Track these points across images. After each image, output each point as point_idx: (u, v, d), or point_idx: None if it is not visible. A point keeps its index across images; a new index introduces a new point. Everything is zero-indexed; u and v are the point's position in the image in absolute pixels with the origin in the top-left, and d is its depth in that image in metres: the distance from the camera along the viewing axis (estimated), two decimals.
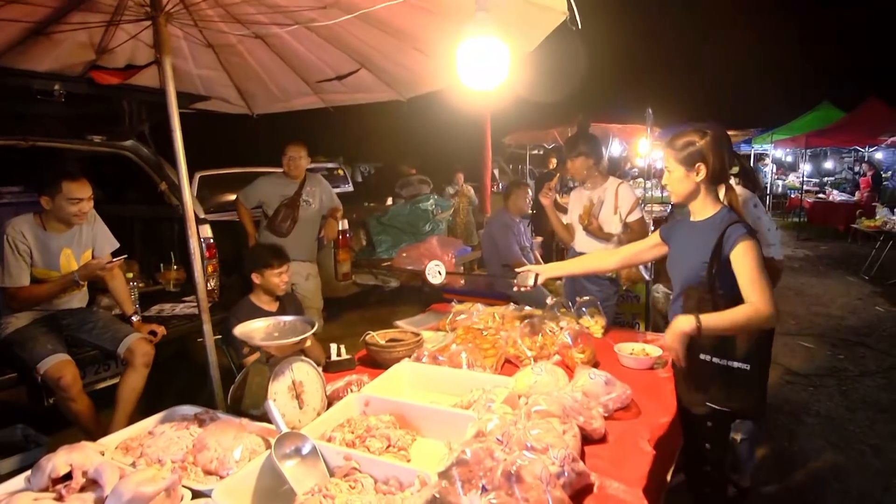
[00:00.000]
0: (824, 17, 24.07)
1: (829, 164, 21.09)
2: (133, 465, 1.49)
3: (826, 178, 19.26)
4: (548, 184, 3.50)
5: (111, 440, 1.61)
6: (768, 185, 15.73)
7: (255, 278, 2.75)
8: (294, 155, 4.15)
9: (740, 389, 1.96)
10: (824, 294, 6.95)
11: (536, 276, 2.47)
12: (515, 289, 2.54)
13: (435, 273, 2.56)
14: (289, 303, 2.91)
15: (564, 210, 3.68)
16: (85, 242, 3.02)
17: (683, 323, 1.84)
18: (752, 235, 1.89)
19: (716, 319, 1.84)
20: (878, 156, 17.16)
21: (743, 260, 1.86)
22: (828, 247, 10.52)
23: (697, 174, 1.96)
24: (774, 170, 17.79)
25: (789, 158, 21.35)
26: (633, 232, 3.23)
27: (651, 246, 2.31)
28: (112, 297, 3.18)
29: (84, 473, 1.34)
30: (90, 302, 3.22)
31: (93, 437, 2.28)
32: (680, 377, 2.11)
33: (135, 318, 3.10)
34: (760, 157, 18.06)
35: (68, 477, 1.33)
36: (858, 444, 3.33)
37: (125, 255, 2.90)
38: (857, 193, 13.34)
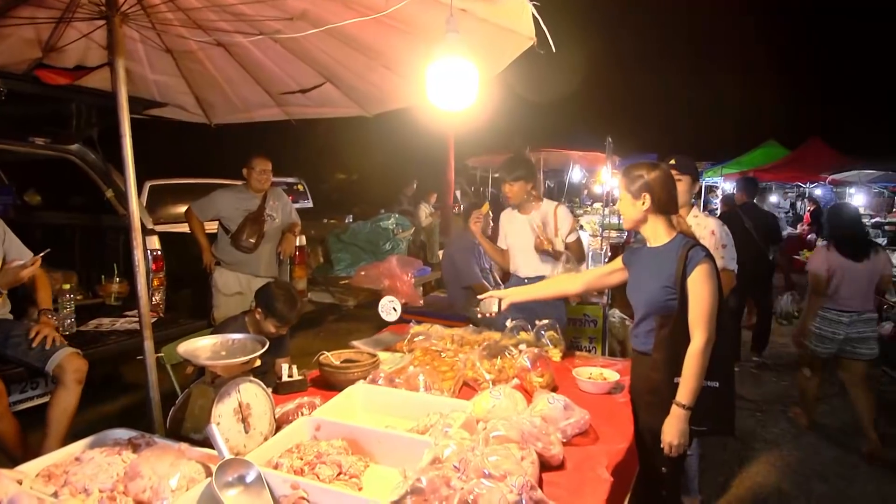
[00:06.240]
0: (774, 62, 25.91)
1: (773, 199, 22.23)
2: (55, 495, 1.36)
3: None
4: (477, 211, 3.46)
5: (32, 466, 1.46)
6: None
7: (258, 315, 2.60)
8: (264, 168, 3.99)
9: (713, 407, 2.00)
10: None
11: (500, 301, 2.44)
12: (479, 316, 2.51)
13: (389, 310, 2.48)
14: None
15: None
16: None
17: (677, 418, 1.93)
18: (710, 259, 1.98)
19: (688, 386, 1.91)
20: (818, 192, 18.19)
21: (700, 284, 1.94)
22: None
23: (643, 203, 2.06)
24: None
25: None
26: (572, 252, 3.29)
27: (613, 271, 2.35)
28: (35, 294, 2.85)
29: None
30: (20, 315, 2.98)
31: (17, 462, 2.08)
32: (643, 404, 2.12)
33: (48, 317, 2.78)
34: (711, 189, 18.92)
35: None
36: (804, 470, 3.42)
37: (44, 253, 2.69)
38: (798, 226, 14.06)
